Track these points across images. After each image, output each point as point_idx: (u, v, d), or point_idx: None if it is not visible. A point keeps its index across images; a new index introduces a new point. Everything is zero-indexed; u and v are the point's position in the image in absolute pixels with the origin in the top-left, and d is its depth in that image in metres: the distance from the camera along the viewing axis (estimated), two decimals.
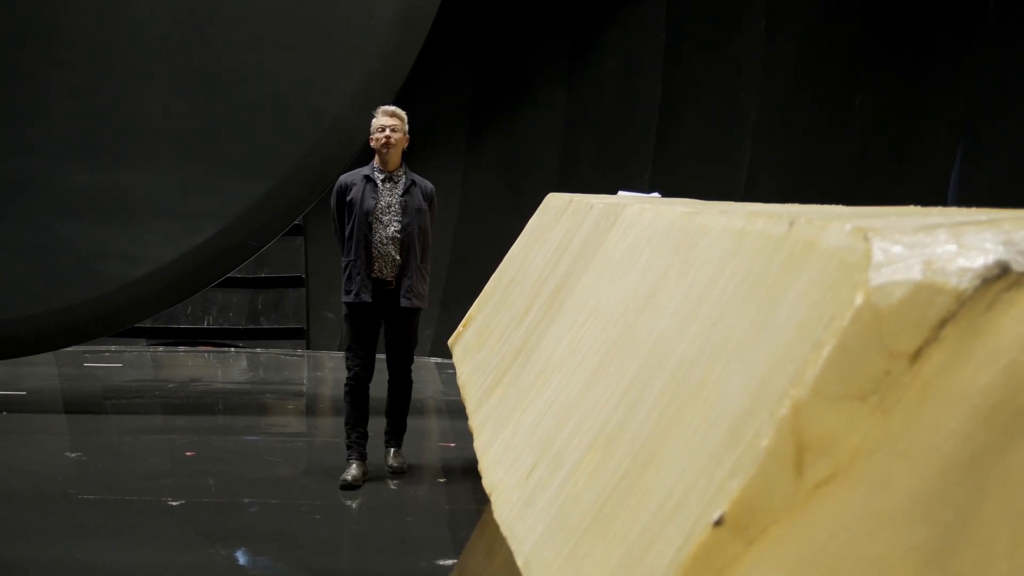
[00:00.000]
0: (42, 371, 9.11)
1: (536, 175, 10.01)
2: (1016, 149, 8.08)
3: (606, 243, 2.20)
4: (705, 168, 9.59)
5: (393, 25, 7.41)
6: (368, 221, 5.82)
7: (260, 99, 7.39)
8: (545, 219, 4.90)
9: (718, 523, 0.89)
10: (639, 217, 2.00)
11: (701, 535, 0.91)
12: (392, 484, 5.86)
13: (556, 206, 4.74)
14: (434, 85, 10.02)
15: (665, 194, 5.69)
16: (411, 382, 6.17)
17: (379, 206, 5.84)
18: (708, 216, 1.52)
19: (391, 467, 6.04)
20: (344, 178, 6.00)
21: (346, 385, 6.01)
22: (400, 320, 5.95)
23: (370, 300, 5.84)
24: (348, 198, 5.88)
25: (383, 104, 6.10)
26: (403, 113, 6.01)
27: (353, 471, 5.81)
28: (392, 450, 6.14)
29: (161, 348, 10.82)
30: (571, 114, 10.28)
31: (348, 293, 5.88)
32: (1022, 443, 0.88)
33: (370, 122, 5.99)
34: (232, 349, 10.88)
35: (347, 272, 5.89)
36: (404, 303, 5.86)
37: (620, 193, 5.83)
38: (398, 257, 5.84)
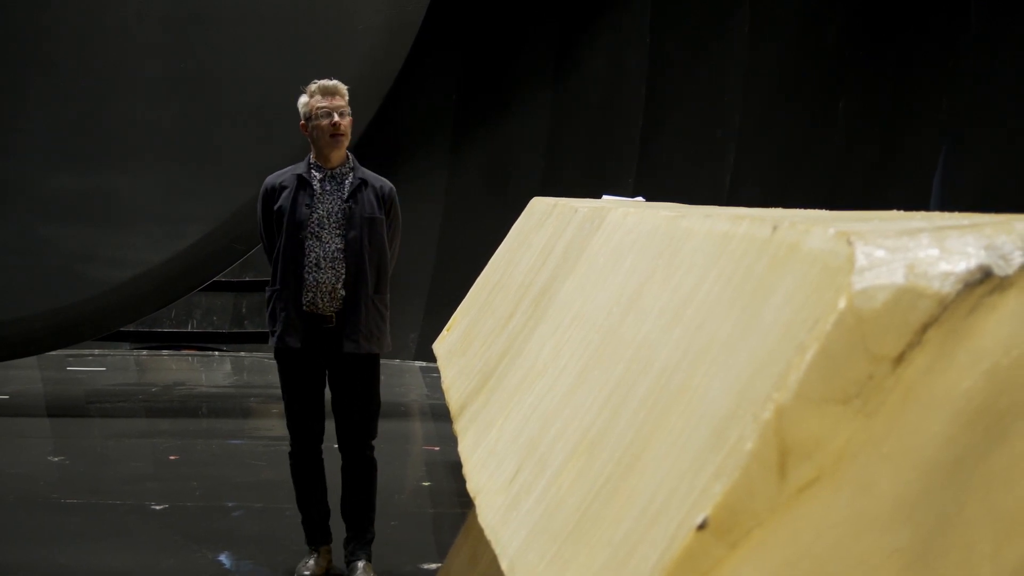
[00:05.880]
0: (25, 375, 9.07)
1: (520, 179, 10.02)
2: (999, 153, 8.12)
3: (590, 247, 2.20)
4: (689, 172, 9.61)
5: (380, 31, 7.43)
6: (300, 237, 4.26)
7: (246, 104, 7.39)
8: (529, 223, 4.90)
9: (702, 527, 0.89)
10: (623, 221, 2.00)
11: (685, 539, 0.91)
12: None
13: (540, 210, 4.74)
14: (419, 89, 10.01)
15: (649, 198, 5.68)
16: (372, 463, 4.44)
17: (316, 216, 4.28)
18: (692, 220, 1.52)
19: None
20: (271, 180, 4.41)
21: (289, 460, 4.53)
22: (346, 371, 4.35)
23: (299, 346, 4.28)
24: (276, 206, 4.33)
25: (321, 81, 4.36)
26: (344, 88, 4.36)
27: (310, 565, 4.41)
28: (360, 564, 4.34)
29: (145, 352, 10.79)
30: (555, 118, 10.29)
31: (272, 335, 4.38)
32: (1004, 446, 0.89)
33: (300, 102, 4.37)
34: (216, 353, 10.85)
35: (270, 307, 4.38)
36: (348, 347, 4.26)
37: (604, 197, 5.83)
38: (340, 286, 4.25)
